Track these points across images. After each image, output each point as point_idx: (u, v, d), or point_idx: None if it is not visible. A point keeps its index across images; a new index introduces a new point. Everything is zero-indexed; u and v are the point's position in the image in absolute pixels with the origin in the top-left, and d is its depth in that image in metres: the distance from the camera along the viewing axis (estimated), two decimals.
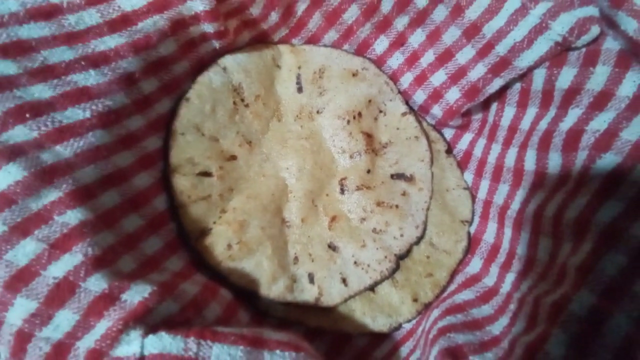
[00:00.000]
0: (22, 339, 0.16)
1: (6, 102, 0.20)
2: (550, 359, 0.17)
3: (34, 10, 0.22)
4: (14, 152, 0.19)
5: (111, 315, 0.17)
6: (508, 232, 0.26)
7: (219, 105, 0.28)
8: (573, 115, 0.23)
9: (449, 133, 0.32)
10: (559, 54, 0.24)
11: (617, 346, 0.17)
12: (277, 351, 0.18)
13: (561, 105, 0.24)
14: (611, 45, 0.23)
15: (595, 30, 0.23)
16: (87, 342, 0.16)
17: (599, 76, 0.23)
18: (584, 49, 0.24)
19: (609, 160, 0.21)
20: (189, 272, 0.22)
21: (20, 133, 0.19)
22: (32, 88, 0.20)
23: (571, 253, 0.20)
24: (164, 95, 0.27)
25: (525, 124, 0.26)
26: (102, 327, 0.16)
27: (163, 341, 0.16)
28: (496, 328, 0.22)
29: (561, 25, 0.24)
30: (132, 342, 0.16)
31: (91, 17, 0.23)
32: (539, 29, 0.25)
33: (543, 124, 0.25)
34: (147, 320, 0.17)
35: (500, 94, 0.28)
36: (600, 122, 0.22)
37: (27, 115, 0.20)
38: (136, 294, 0.17)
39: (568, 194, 0.22)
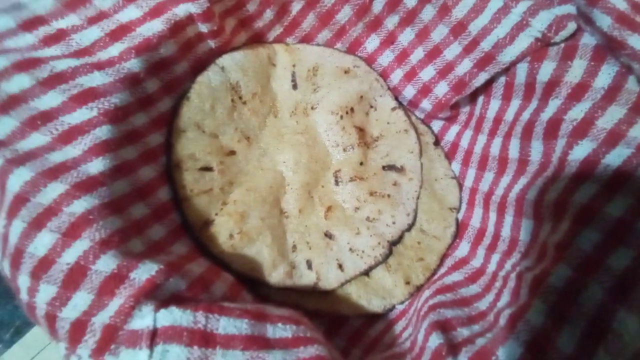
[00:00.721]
0: (50, 320, 0.18)
1: (23, 113, 0.21)
2: (530, 325, 0.18)
3: (46, 37, 0.23)
4: (25, 158, 0.21)
5: (122, 293, 0.18)
6: (493, 216, 0.27)
7: (218, 103, 0.29)
8: (553, 105, 0.25)
9: (437, 126, 0.34)
10: (539, 49, 0.26)
11: (592, 313, 0.18)
12: (279, 324, 0.19)
13: (542, 97, 0.25)
14: (588, 40, 0.25)
15: (572, 26, 0.25)
16: (102, 318, 0.17)
17: (577, 69, 0.24)
18: (562, 44, 0.25)
19: (585, 146, 0.23)
20: (194, 256, 0.24)
21: (35, 140, 0.21)
22: (44, 97, 0.22)
23: (551, 232, 0.22)
24: (166, 94, 0.28)
25: (510, 115, 0.28)
26: (115, 304, 0.18)
27: (174, 315, 0.17)
28: (483, 304, 0.23)
29: (540, 22, 0.26)
30: (145, 317, 0.17)
31: (93, 33, 0.25)
32: (520, 26, 0.26)
33: (526, 115, 0.26)
34: (157, 295, 0.18)
35: (486, 87, 0.30)
36: (578, 112, 0.24)
37: (39, 122, 0.21)
38: (144, 272, 0.18)
39: (548, 179, 0.24)
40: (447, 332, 0.20)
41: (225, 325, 0.18)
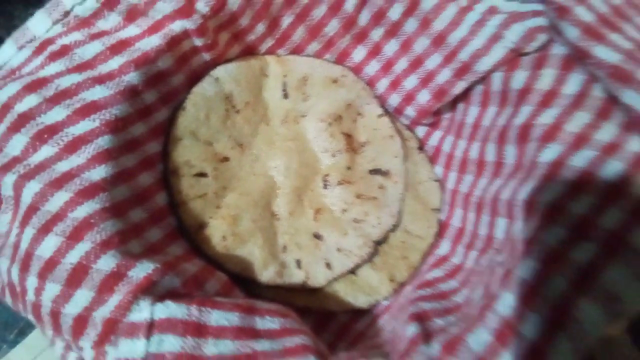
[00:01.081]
0: (55, 316, 0.19)
1: (32, 129, 0.23)
2: (498, 314, 0.20)
3: (52, 54, 0.25)
4: (35, 171, 0.23)
5: (121, 289, 0.19)
6: (472, 216, 0.29)
7: (212, 112, 0.31)
8: (525, 111, 0.26)
9: (421, 132, 0.35)
10: (513, 59, 0.28)
11: (556, 303, 0.20)
12: (267, 317, 0.21)
13: (515, 104, 0.27)
14: (558, 50, 0.26)
15: (542, 37, 0.27)
16: (102, 313, 0.19)
17: (547, 77, 0.26)
18: (534, 55, 0.27)
19: (553, 149, 0.24)
20: (189, 257, 0.25)
21: (44, 152, 0.23)
22: (50, 113, 0.24)
23: (521, 230, 0.24)
24: (163, 105, 0.30)
25: (487, 121, 0.30)
26: (114, 300, 0.19)
27: (170, 308, 0.19)
28: (460, 297, 0.25)
29: (514, 34, 0.27)
30: (143, 310, 0.19)
31: (95, 47, 0.27)
32: (495, 38, 0.28)
33: (501, 120, 0.28)
34: (153, 291, 0.20)
35: (465, 95, 0.31)
36: (547, 117, 0.25)
37: (46, 136, 0.23)
38: (141, 270, 0.20)
39: (520, 180, 0.26)
40: (424, 322, 0.22)
41: (217, 317, 0.20)
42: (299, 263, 0.29)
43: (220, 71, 0.32)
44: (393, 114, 0.35)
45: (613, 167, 0.23)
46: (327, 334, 0.28)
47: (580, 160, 0.23)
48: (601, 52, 0.24)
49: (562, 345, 0.19)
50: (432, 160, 0.34)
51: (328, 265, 0.29)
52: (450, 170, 0.32)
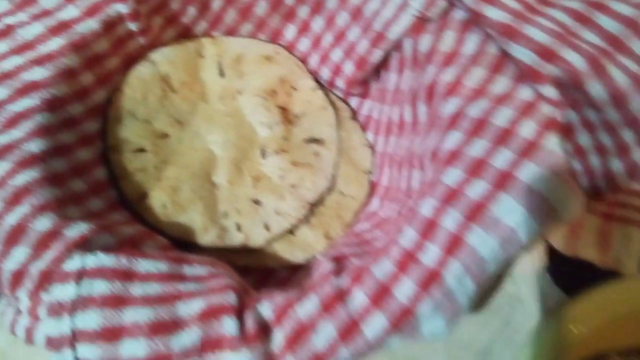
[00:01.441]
0: None
1: None
2: (400, 246, 0.22)
3: None
4: None
5: (56, 246, 0.21)
6: (396, 173, 0.32)
7: (149, 93, 0.33)
8: (430, 72, 0.29)
9: (354, 102, 0.38)
10: (419, 25, 0.30)
11: (451, 233, 0.22)
12: (196, 265, 0.23)
13: (423, 66, 0.30)
14: (457, 15, 0.29)
15: (442, 4, 0.29)
16: (38, 266, 0.21)
17: (448, 39, 0.29)
18: (437, 20, 0.30)
19: (454, 102, 0.27)
20: (129, 222, 0.27)
21: None
22: None
23: (428, 176, 0.26)
24: (100, 86, 0.31)
25: (405, 85, 0.32)
26: (50, 255, 0.21)
27: (100, 258, 0.21)
28: (380, 243, 0.27)
29: (417, 2, 0.30)
30: (75, 261, 0.21)
31: (36, 28, 0.29)
32: (402, 7, 0.31)
33: (414, 83, 0.31)
34: (87, 247, 0.22)
35: (385, 63, 0.34)
36: (449, 75, 0.28)
37: None
38: (77, 230, 0.22)
39: (429, 134, 0.28)
40: (340, 261, 0.24)
41: (146, 265, 0.22)
42: (239, 227, 0.31)
43: (156, 54, 0.34)
44: (326, 87, 0.38)
45: (504, 114, 0.25)
46: (266, 289, 0.30)
47: (476, 110, 0.26)
48: (492, 13, 0.27)
49: (456, 269, 0.22)
50: (364, 127, 0.37)
51: (267, 227, 0.31)
52: (379, 135, 0.35)
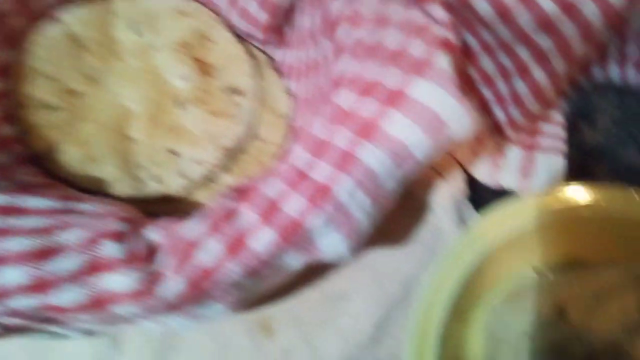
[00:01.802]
0: None
1: None
2: (290, 165, 0.23)
3: None
4: None
5: None
6: (309, 114, 0.32)
7: (59, 52, 0.33)
8: (328, 6, 0.29)
9: (274, 52, 0.38)
10: None
11: (340, 151, 0.23)
12: (88, 203, 0.23)
13: (322, 3, 0.30)
14: None
15: None
16: None
17: None
18: None
19: (344, 29, 0.27)
20: (37, 174, 0.27)
21: None
22: None
23: None
24: (6, 46, 0.31)
25: (314, 25, 0.32)
26: None
27: None
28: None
29: None
30: None
31: None
32: None
33: (317, 21, 0.31)
34: None
35: (292, 9, 0.34)
36: (338, 5, 0.28)
37: None
38: None
39: (334, 64, 0.28)
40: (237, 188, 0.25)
41: (34, 202, 0.22)
42: (155, 177, 0.31)
43: (65, 14, 0.34)
44: (244, 38, 0.38)
45: (394, 37, 0.26)
46: None
47: (365, 34, 0.26)
48: None
49: (347, 183, 0.22)
50: (283, 74, 0.37)
51: (183, 175, 0.32)
52: (296, 81, 0.35)
